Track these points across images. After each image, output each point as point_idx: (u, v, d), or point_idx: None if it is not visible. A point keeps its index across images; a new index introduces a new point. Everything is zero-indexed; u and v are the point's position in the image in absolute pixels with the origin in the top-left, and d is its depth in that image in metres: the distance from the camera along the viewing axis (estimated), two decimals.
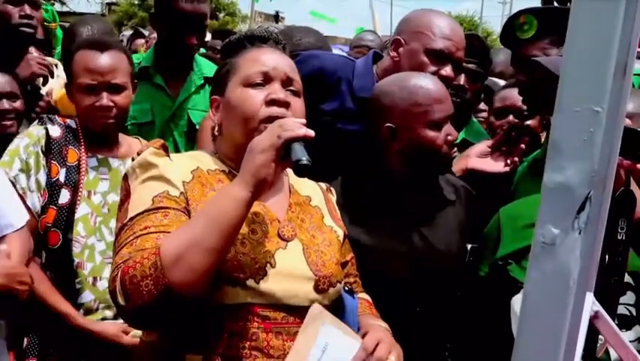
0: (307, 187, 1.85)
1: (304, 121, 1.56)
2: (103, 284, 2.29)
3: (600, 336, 1.95)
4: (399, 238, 2.19)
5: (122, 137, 2.52)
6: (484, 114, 3.43)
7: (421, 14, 2.52)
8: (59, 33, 4.33)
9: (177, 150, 2.93)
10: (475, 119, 3.12)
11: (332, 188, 1.98)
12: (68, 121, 2.43)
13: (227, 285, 1.50)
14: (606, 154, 0.71)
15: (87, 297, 2.29)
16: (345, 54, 3.51)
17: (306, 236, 1.69)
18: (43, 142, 2.33)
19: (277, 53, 1.74)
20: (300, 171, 1.43)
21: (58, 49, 4.12)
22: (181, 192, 1.56)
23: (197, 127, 2.98)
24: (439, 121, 2.14)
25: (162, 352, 1.57)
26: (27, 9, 3.34)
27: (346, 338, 1.60)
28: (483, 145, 2.65)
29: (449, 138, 2.14)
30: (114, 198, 2.34)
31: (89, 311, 2.30)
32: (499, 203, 2.34)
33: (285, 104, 1.63)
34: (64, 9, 23.90)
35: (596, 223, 0.76)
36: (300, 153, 1.43)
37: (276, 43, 1.79)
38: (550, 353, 0.71)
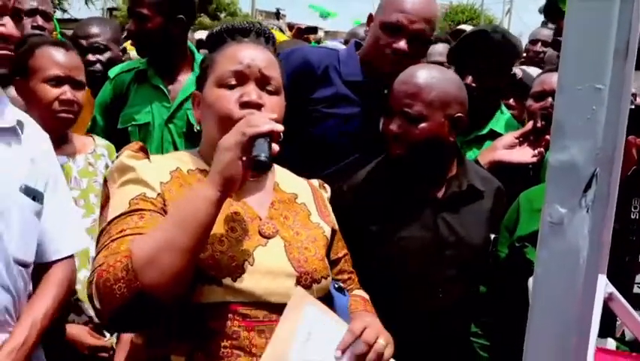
0: (294, 185, 1.82)
1: (274, 115, 1.54)
2: None
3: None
4: (425, 227, 2.21)
5: (74, 136, 2.56)
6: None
7: None
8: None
9: (176, 150, 2.94)
10: (506, 111, 3.09)
11: (326, 185, 1.96)
12: None
13: (204, 284, 1.48)
14: (612, 132, 0.71)
15: None
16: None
17: (288, 233, 1.66)
18: None
19: (256, 49, 1.69)
20: (258, 167, 1.40)
21: None
22: (158, 194, 1.55)
23: (196, 127, 2.99)
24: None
25: (149, 354, 1.56)
26: (39, 20, 3.35)
27: (332, 323, 1.57)
28: (510, 136, 2.65)
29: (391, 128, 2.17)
30: None
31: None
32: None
33: (257, 107, 1.60)
34: (66, 16, 23.96)
35: (605, 202, 0.75)
36: (260, 149, 1.40)
37: (257, 35, 1.74)
38: (563, 333, 0.71)
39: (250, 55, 1.66)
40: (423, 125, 2.14)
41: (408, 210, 2.21)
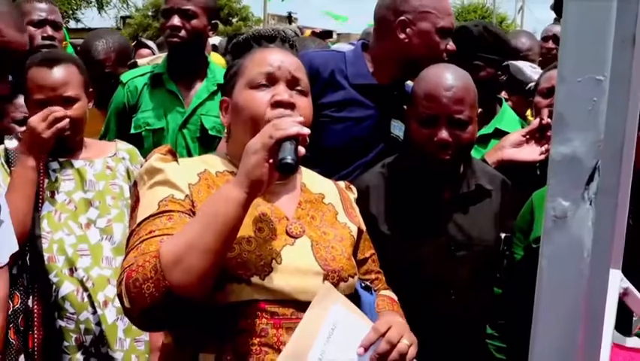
0: (321, 185, 1.84)
1: (301, 119, 1.56)
2: (80, 274, 2.36)
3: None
4: (435, 227, 2.20)
5: (92, 142, 2.65)
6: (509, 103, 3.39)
7: None
8: (70, 51, 4.37)
9: (189, 155, 2.96)
10: (508, 107, 3.08)
11: (352, 186, 1.97)
12: None
13: (232, 283, 1.51)
14: (617, 124, 0.70)
15: (67, 288, 2.35)
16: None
17: (316, 233, 1.68)
18: (2, 154, 2.47)
19: (283, 53, 1.74)
20: (284, 170, 1.41)
21: None
22: (186, 195, 1.58)
23: (210, 133, 3.02)
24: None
25: (177, 353, 1.60)
26: (49, 30, 3.38)
27: (356, 319, 1.58)
28: (517, 134, 2.64)
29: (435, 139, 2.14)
30: (81, 195, 2.47)
31: (76, 304, 2.34)
32: (535, 190, 2.34)
33: (291, 106, 1.63)
34: (79, 26, 24.15)
35: (611, 195, 0.74)
36: (286, 152, 1.41)
37: (282, 41, 1.78)
38: (570, 328, 0.70)
39: (279, 58, 1.70)
40: (470, 127, 2.16)
41: (417, 213, 2.20)
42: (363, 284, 1.78)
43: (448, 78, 2.17)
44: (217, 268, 1.45)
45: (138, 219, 1.56)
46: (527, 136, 2.61)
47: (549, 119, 2.55)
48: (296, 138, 1.45)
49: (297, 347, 1.49)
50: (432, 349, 2.17)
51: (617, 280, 1.46)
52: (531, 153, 2.58)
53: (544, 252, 0.71)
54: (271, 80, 1.67)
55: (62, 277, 2.35)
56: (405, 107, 2.30)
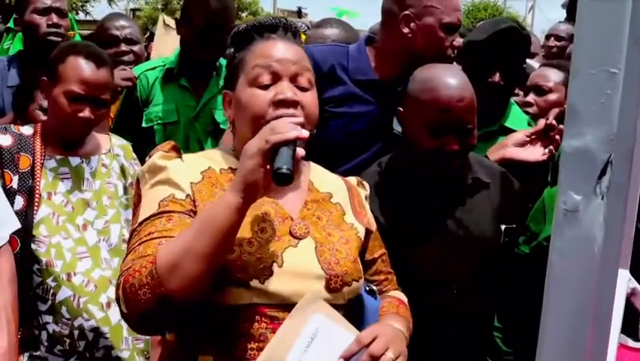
0: (329, 183, 1.78)
1: (301, 120, 1.51)
2: (78, 279, 2.32)
3: None
4: (433, 222, 2.19)
5: (90, 135, 2.52)
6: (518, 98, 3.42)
7: None
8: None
9: (202, 149, 2.96)
10: (515, 104, 3.08)
11: (364, 182, 1.93)
12: (22, 129, 2.44)
13: (231, 286, 1.47)
14: (630, 119, 0.70)
15: (65, 293, 2.31)
16: None
17: (321, 234, 1.63)
18: None
19: (285, 45, 1.65)
20: (279, 180, 1.36)
21: None
22: (187, 195, 1.55)
23: (221, 126, 3.03)
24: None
25: (179, 352, 1.58)
26: (54, 17, 3.36)
27: (339, 330, 1.52)
28: (520, 134, 2.62)
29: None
30: (78, 195, 2.39)
31: (72, 310, 2.31)
32: (538, 190, 2.33)
33: (294, 104, 1.57)
34: (88, 18, 24.18)
35: (623, 191, 0.73)
36: (281, 161, 1.36)
37: (285, 30, 1.70)
38: (578, 324, 0.70)
39: (281, 51, 1.63)
40: (474, 131, 2.14)
41: (416, 209, 2.19)
42: (367, 288, 1.73)
43: (458, 86, 2.11)
44: (214, 273, 1.42)
45: (139, 219, 1.53)
46: (532, 136, 2.59)
47: (554, 121, 2.53)
48: (294, 142, 1.40)
49: (272, 355, 1.44)
50: (436, 344, 2.17)
51: (624, 280, 1.46)
52: (533, 153, 2.55)
53: (554, 245, 0.70)
54: (274, 77, 1.60)
55: (60, 282, 2.30)
56: (400, 108, 2.24)
